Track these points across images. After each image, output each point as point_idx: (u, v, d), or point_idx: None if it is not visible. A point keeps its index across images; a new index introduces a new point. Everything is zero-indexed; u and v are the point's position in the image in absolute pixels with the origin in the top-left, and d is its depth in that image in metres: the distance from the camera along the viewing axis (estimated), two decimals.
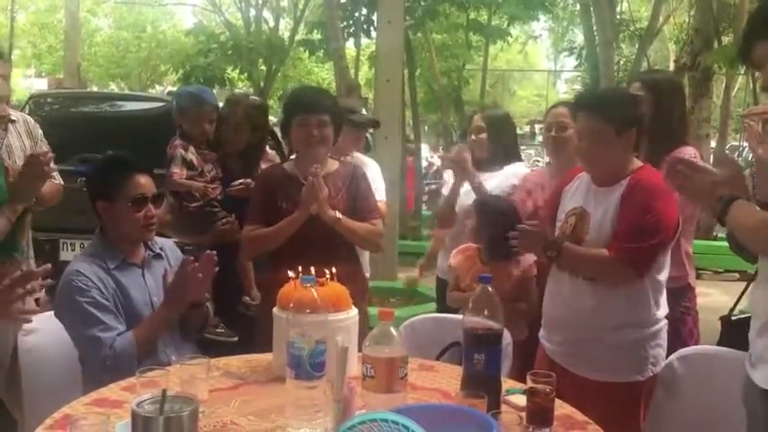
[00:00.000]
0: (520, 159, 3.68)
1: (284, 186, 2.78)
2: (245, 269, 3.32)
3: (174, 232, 3.14)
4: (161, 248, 2.54)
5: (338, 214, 2.68)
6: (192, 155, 3.13)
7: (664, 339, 2.48)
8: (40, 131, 3.13)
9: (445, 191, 3.65)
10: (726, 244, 8.20)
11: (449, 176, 3.71)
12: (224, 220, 3.19)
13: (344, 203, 2.78)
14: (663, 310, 2.49)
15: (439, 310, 3.43)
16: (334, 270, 2.13)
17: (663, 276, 2.46)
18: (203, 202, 3.11)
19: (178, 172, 3.08)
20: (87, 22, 24.60)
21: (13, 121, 3.00)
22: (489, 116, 3.58)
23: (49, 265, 1.91)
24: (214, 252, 2.42)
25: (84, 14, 22.02)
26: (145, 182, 2.43)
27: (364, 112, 3.68)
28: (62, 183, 3.05)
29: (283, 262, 2.33)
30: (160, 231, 2.99)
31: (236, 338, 2.99)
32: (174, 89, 10.00)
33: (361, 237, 2.78)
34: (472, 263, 3.09)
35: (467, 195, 3.48)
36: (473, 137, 3.54)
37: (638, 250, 2.34)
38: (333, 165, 2.86)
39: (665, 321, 2.49)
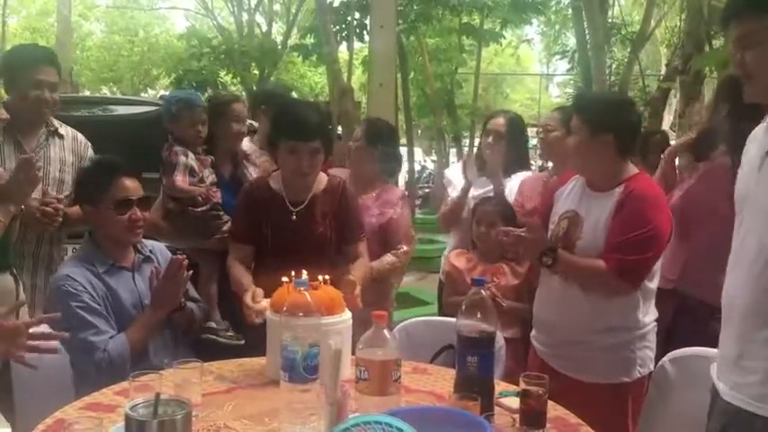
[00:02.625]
0: (529, 167, 3.64)
1: (270, 209, 2.65)
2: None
3: (176, 238, 3.12)
4: (151, 251, 2.54)
5: (355, 280, 2.40)
6: (192, 161, 3.10)
7: (651, 342, 2.50)
8: (91, 152, 3.12)
9: (452, 191, 3.61)
10: None
11: (453, 177, 3.69)
12: (227, 225, 3.16)
13: (332, 230, 2.67)
14: (652, 314, 2.51)
15: (441, 313, 3.42)
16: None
17: (653, 283, 2.48)
18: (209, 206, 3.09)
19: (181, 178, 3.04)
20: (79, 27, 24.55)
21: (61, 136, 3.02)
22: (511, 120, 3.49)
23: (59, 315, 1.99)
24: (184, 256, 2.42)
25: (76, 19, 21.97)
26: (131, 185, 2.43)
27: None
28: None
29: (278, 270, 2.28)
30: (156, 238, 3.00)
31: (243, 341, 2.98)
32: (167, 93, 10.00)
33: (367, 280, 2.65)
34: (474, 264, 3.10)
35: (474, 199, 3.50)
36: (489, 140, 3.44)
37: (635, 263, 2.35)
38: (321, 182, 2.71)
39: (653, 324, 2.51)
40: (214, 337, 2.89)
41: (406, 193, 3.46)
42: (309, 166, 2.57)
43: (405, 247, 3.21)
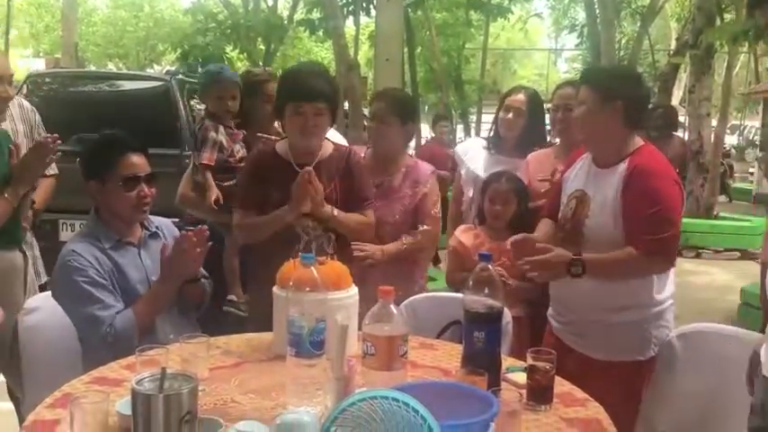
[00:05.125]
0: (546, 145, 3.45)
1: (277, 174, 2.63)
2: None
3: (202, 211, 3.11)
4: (157, 227, 2.53)
5: (334, 211, 2.57)
6: (222, 136, 3.08)
7: (668, 320, 2.48)
8: (38, 117, 3.11)
9: (465, 173, 3.55)
10: (726, 222, 8.34)
11: (466, 155, 3.63)
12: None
13: (338, 194, 2.66)
14: (667, 291, 2.49)
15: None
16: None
17: None
18: (235, 181, 3.09)
19: (208, 156, 3.03)
20: (84, 2, 24.46)
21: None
22: (531, 97, 3.39)
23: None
24: (206, 227, 2.41)
25: None
26: (138, 161, 2.41)
27: None
28: (56, 172, 3.08)
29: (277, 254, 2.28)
30: (174, 210, 3.00)
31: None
32: (173, 69, 9.94)
33: (353, 229, 2.68)
34: (481, 241, 3.08)
35: (469, 181, 3.47)
36: (510, 116, 3.35)
37: (665, 240, 2.33)
38: (327, 149, 2.71)
39: (670, 302, 2.50)
40: (235, 310, 2.90)
41: (434, 168, 3.26)
42: (315, 125, 2.57)
43: (424, 227, 3.01)
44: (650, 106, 3.96)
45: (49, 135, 2.69)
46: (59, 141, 2.67)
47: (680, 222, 2.40)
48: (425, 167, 3.15)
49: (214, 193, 3.00)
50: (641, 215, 2.33)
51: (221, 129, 3.05)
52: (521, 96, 3.39)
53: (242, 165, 3.05)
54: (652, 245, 2.32)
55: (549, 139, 3.59)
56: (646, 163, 2.38)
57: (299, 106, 2.55)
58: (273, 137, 3.12)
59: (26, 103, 3.11)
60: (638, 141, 2.47)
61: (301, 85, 2.59)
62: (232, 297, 2.94)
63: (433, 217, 3.06)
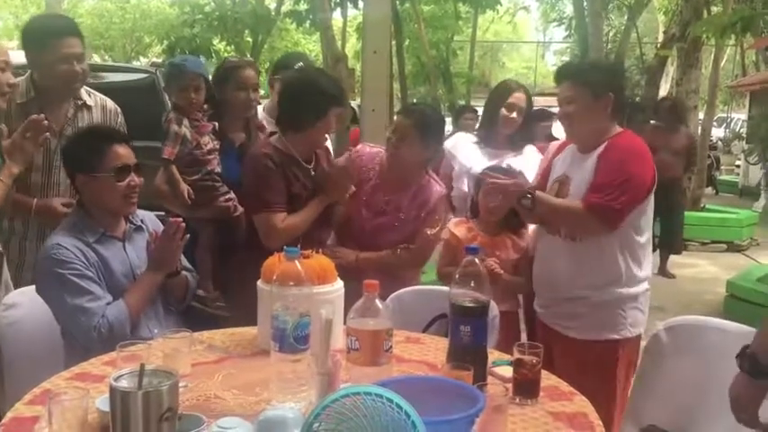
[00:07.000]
0: (533, 141, 3.60)
1: (296, 172, 2.80)
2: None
3: (174, 204, 3.06)
4: (141, 221, 2.51)
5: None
6: (186, 128, 3.03)
7: (642, 304, 2.56)
8: (121, 118, 3.02)
9: (458, 169, 3.56)
10: (713, 215, 8.38)
11: (458, 150, 3.62)
12: (226, 197, 3.10)
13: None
14: (644, 272, 2.55)
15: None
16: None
17: (643, 238, 2.53)
18: (201, 174, 3.04)
19: (169, 150, 2.98)
20: None
21: (89, 108, 2.90)
22: (527, 93, 3.47)
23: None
24: (181, 219, 2.39)
25: None
26: (124, 152, 2.38)
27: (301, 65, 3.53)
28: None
29: None
30: (158, 203, 2.96)
31: (229, 315, 2.95)
32: (159, 61, 9.89)
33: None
34: (474, 234, 3.06)
35: (461, 175, 3.46)
36: (513, 115, 3.38)
37: (607, 205, 2.41)
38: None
39: (645, 286, 2.57)
40: (202, 306, 2.86)
41: (444, 190, 3.09)
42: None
43: (411, 245, 2.89)
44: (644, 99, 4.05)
45: (42, 115, 2.60)
46: (46, 123, 2.59)
47: (636, 197, 2.44)
48: (435, 190, 2.99)
49: (184, 188, 2.96)
50: (601, 180, 2.44)
51: (185, 121, 3.00)
52: (522, 95, 3.46)
53: (211, 157, 3.02)
54: (594, 205, 2.42)
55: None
56: (621, 142, 2.51)
57: (342, 111, 2.88)
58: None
59: (110, 104, 2.98)
60: (617, 128, 2.58)
61: (342, 91, 2.86)
62: (200, 292, 2.90)
63: (424, 237, 2.92)
